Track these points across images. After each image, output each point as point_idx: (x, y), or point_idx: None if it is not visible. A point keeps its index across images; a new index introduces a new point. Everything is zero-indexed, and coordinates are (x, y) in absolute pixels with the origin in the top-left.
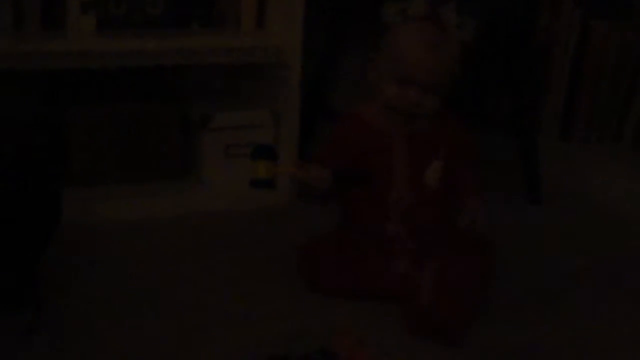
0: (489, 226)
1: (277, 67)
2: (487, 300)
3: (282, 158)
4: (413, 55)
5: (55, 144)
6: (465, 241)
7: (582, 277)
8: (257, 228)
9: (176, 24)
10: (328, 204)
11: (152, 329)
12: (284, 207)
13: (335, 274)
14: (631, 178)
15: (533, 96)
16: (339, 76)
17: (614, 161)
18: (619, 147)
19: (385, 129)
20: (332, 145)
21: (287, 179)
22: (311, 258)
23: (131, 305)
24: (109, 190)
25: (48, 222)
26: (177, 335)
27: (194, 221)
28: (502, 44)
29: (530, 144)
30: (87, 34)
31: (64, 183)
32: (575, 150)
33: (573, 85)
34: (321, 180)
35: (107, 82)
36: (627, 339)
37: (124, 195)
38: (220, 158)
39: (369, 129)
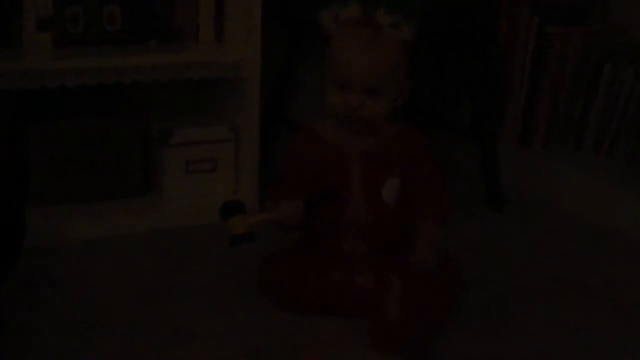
0: (441, 256)
1: (236, 82)
2: (452, 313)
3: (249, 200)
4: (346, 57)
5: (18, 160)
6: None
7: (548, 284)
8: (219, 243)
9: (134, 40)
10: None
11: (115, 346)
12: None
13: (296, 289)
14: (592, 184)
15: (493, 103)
16: (300, 88)
17: (574, 168)
18: (580, 153)
19: (339, 145)
20: (291, 163)
21: (262, 225)
22: (272, 274)
23: (96, 323)
24: (70, 209)
25: (12, 241)
26: (141, 352)
27: (155, 238)
28: (461, 50)
29: (490, 151)
30: (43, 53)
31: (27, 200)
32: (535, 157)
33: (532, 92)
34: (295, 215)
35: (68, 99)
36: (592, 345)
37: (85, 213)
38: (181, 174)
39: (323, 145)
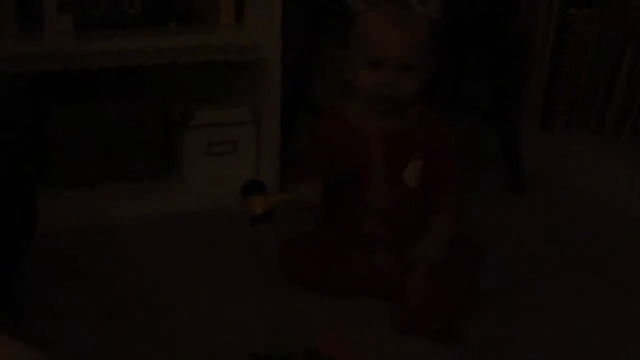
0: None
1: (257, 64)
2: (472, 295)
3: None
4: (380, 33)
5: (31, 144)
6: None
7: (566, 266)
8: (239, 225)
9: (154, 22)
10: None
11: (134, 329)
12: None
13: (317, 271)
14: (613, 166)
15: (514, 85)
16: (320, 70)
17: (595, 150)
18: (601, 136)
19: (362, 127)
20: (313, 144)
21: (282, 205)
22: (293, 256)
23: (114, 306)
24: (91, 192)
25: (24, 226)
26: (160, 335)
27: (176, 220)
28: (483, 32)
29: (511, 133)
30: (64, 35)
31: (37, 185)
32: (556, 139)
33: (554, 74)
34: (314, 196)
35: (87, 82)
36: (610, 329)
37: (106, 196)
38: (202, 156)
39: (346, 127)
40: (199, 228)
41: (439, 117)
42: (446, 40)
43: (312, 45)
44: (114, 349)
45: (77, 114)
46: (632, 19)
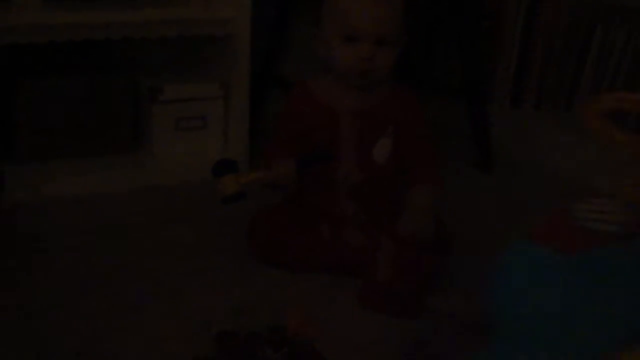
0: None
1: (226, 39)
2: (441, 273)
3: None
4: (356, 8)
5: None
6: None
7: None
8: (207, 200)
9: None
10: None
11: (101, 303)
12: None
13: (285, 247)
14: (581, 145)
15: (484, 63)
16: (290, 45)
17: (564, 129)
18: (570, 114)
19: (333, 103)
20: (284, 119)
21: (254, 184)
22: (261, 232)
23: (78, 281)
24: (58, 166)
25: None
26: (125, 310)
27: (144, 195)
28: (453, 10)
29: (480, 111)
30: (32, 7)
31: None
32: (526, 117)
33: (524, 52)
34: (287, 175)
35: (56, 55)
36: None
37: (73, 170)
38: (171, 131)
39: (317, 102)
40: (167, 203)
41: (410, 94)
42: (417, 15)
43: (282, 21)
44: (78, 324)
45: (44, 86)
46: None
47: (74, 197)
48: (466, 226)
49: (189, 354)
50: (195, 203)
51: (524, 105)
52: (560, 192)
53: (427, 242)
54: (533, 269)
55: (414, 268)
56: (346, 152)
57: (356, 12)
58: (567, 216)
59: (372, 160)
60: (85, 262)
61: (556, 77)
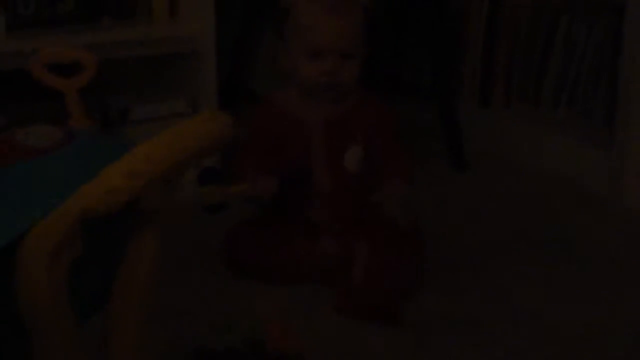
0: (410, 214)
1: (192, 56)
2: (419, 275)
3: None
4: (318, 23)
5: None
6: (391, 221)
7: (512, 242)
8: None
9: (87, 19)
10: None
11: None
12: None
13: (261, 258)
14: (552, 139)
15: (450, 62)
16: (259, 59)
17: (534, 123)
18: (539, 109)
19: (302, 114)
20: (253, 133)
21: (236, 196)
22: (237, 244)
23: None
24: None
25: None
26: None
27: None
28: (417, 11)
29: (450, 110)
30: None
31: None
32: (495, 114)
33: (489, 49)
34: (269, 191)
35: (21, 82)
36: (559, 299)
37: None
38: None
39: (285, 115)
40: None
41: (378, 101)
42: (381, 22)
43: (247, 35)
44: None
45: (14, 114)
46: None
47: None
48: (440, 224)
49: None
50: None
51: (493, 102)
52: (534, 185)
53: (409, 227)
54: None
55: (389, 272)
56: (317, 162)
57: (319, 29)
58: (12, 138)
59: (344, 169)
60: None
61: (522, 72)
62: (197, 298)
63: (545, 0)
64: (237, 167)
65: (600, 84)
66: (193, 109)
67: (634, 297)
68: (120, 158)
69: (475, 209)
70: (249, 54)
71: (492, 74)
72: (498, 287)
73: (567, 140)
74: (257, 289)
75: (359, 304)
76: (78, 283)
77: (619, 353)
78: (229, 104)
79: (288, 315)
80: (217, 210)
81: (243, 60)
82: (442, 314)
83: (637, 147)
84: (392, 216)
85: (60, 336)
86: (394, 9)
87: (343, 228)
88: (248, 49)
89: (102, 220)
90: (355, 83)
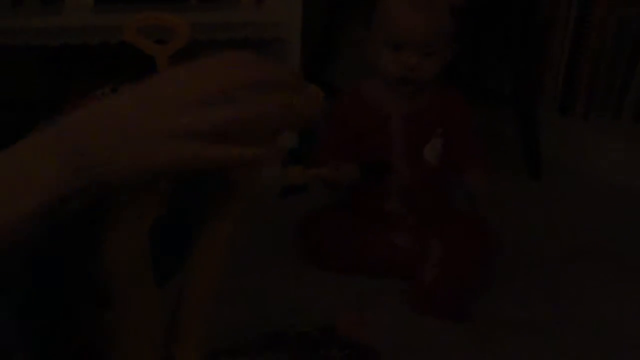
0: (487, 200)
1: (277, 42)
2: (490, 276)
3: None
4: (403, 17)
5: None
6: (467, 218)
7: (583, 252)
8: (255, 203)
9: None
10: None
11: None
12: None
13: (335, 247)
14: (631, 153)
15: (533, 70)
16: (339, 51)
17: (613, 136)
18: (619, 122)
19: (383, 106)
20: (334, 123)
21: (316, 179)
22: (311, 232)
23: None
24: None
25: None
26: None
27: None
28: (502, 17)
29: (529, 118)
30: (84, 9)
31: None
32: (575, 124)
33: (573, 60)
34: (349, 177)
35: (106, 59)
36: (626, 313)
37: None
38: None
39: (366, 106)
40: None
41: (459, 95)
42: (467, 23)
43: (331, 26)
44: None
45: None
46: None
47: None
48: (513, 231)
49: None
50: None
51: (573, 111)
52: (609, 198)
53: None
54: None
55: (461, 270)
56: (397, 154)
57: (402, 22)
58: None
59: (423, 162)
60: None
61: (606, 83)
62: (272, 283)
63: (633, 13)
64: (316, 152)
65: None
66: None
67: None
68: None
69: (549, 217)
70: (330, 46)
71: (575, 83)
72: (561, 297)
73: None
74: (330, 278)
75: (429, 300)
76: (157, 245)
77: None
78: None
79: (359, 304)
80: (294, 192)
81: (324, 51)
82: (510, 316)
83: None
84: (476, 203)
85: (141, 299)
86: (478, 12)
87: (418, 221)
88: (330, 41)
89: (188, 181)
90: (434, 78)
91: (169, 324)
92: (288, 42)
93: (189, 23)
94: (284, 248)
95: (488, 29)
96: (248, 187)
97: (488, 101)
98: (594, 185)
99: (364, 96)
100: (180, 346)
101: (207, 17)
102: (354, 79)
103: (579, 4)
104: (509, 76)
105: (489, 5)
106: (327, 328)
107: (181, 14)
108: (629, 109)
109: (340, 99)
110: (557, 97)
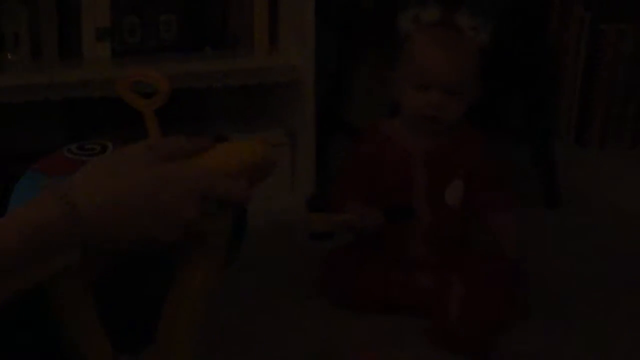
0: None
1: (291, 86)
2: (515, 313)
3: None
4: (430, 57)
5: None
6: (489, 256)
7: (600, 281)
8: (273, 243)
9: (190, 48)
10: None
11: None
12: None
13: (358, 288)
14: None
15: (547, 100)
16: (354, 91)
17: (630, 166)
18: (636, 150)
19: (405, 145)
20: (354, 161)
21: (342, 226)
22: (334, 272)
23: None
24: None
25: None
26: (196, 358)
27: None
28: (515, 48)
29: (545, 148)
30: (102, 62)
31: None
32: (591, 154)
33: (587, 88)
34: (374, 222)
35: (123, 109)
36: None
37: None
38: None
39: (388, 145)
40: None
41: (481, 136)
42: (490, 64)
43: (345, 66)
44: None
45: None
46: None
47: None
48: (533, 263)
49: None
50: (263, 246)
51: (588, 141)
52: (627, 228)
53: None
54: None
55: (484, 307)
56: (418, 195)
57: (428, 62)
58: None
59: (444, 203)
60: None
61: (621, 112)
62: (294, 324)
63: None
64: (335, 194)
65: None
66: (291, 139)
67: None
68: None
69: (566, 248)
70: (346, 86)
71: (590, 111)
72: (583, 327)
73: None
74: (353, 317)
75: (453, 337)
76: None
77: None
78: (326, 134)
79: (380, 343)
80: (323, 238)
81: (340, 91)
82: (532, 353)
83: None
84: (508, 250)
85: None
86: (501, 51)
87: (440, 262)
88: (345, 81)
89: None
90: (458, 119)
91: None
92: (303, 84)
93: (167, 78)
94: (305, 287)
95: (501, 59)
96: (216, 238)
97: (503, 130)
98: (611, 216)
99: (385, 133)
100: None
101: (222, 64)
102: (369, 119)
103: (590, 34)
104: (522, 109)
105: (501, 36)
106: None
107: (197, 63)
108: None
109: (360, 138)
110: (572, 127)
